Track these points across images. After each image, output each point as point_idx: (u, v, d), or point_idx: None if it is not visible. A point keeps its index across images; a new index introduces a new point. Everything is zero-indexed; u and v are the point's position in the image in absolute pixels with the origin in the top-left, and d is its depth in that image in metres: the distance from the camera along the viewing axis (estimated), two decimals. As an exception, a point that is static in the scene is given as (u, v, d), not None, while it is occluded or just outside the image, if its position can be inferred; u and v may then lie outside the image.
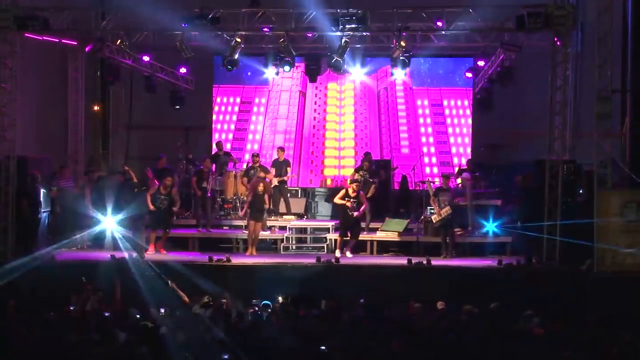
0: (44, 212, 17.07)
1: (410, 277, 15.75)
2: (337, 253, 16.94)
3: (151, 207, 17.04)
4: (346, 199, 17.09)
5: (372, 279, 15.62)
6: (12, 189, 16.84)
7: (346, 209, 17.01)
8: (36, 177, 17.05)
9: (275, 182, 19.07)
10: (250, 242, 17.47)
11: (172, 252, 17.57)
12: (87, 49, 18.66)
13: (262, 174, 18.36)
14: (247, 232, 18.26)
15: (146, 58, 20.35)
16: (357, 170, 18.85)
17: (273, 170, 19.31)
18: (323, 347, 10.50)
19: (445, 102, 21.31)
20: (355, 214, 16.96)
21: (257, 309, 13.28)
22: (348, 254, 17.07)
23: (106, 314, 12.70)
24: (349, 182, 18.72)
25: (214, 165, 19.51)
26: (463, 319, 12.61)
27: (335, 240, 17.85)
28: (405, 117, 21.46)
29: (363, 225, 18.37)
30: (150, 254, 16.93)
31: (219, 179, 19.48)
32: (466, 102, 21.15)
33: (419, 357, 10.37)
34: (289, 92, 21.77)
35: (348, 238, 17.23)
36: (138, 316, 12.45)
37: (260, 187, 17.51)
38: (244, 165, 20.28)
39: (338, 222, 17.79)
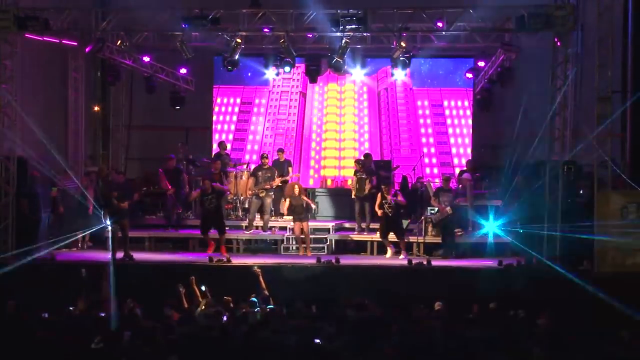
0: (44, 212, 17.05)
1: (410, 277, 15.75)
2: (388, 253, 17.17)
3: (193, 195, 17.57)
4: (383, 201, 17.17)
5: (372, 279, 15.62)
6: (12, 189, 16.84)
7: (383, 210, 17.17)
8: (36, 178, 17.03)
9: (278, 182, 19.05)
10: (301, 243, 17.64)
11: (172, 253, 17.58)
12: (87, 50, 18.66)
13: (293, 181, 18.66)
14: (248, 232, 18.40)
15: (146, 58, 20.37)
16: (355, 174, 18.82)
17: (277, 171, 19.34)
18: (317, 340, 10.52)
19: (445, 103, 21.31)
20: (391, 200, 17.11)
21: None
22: (402, 256, 17.09)
23: (102, 314, 12.71)
24: (349, 182, 18.78)
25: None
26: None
27: (336, 240, 17.94)
28: (405, 118, 21.45)
29: (363, 225, 18.38)
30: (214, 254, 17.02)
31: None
32: (466, 103, 21.15)
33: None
34: (289, 92, 21.76)
35: (389, 239, 17.33)
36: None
37: (296, 191, 17.61)
38: (244, 166, 20.28)
39: (379, 223, 17.70)
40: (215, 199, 17.32)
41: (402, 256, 17.06)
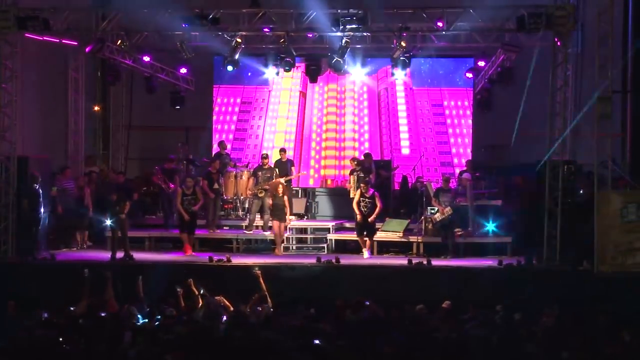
0: (44, 212, 17.06)
1: (410, 277, 15.76)
2: (366, 253, 17.01)
3: (186, 217, 17.14)
4: (361, 198, 17.12)
5: (372, 279, 15.62)
6: (12, 189, 16.84)
7: (359, 209, 17.06)
8: (36, 178, 17.04)
9: (282, 182, 19.03)
10: (278, 243, 17.57)
11: (173, 253, 17.58)
12: (87, 50, 18.67)
13: (281, 179, 18.50)
14: (248, 232, 18.38)
15: (146, 58, 20.37)
16: (351, 173, 18.80)
17: (276, 171, 19.33)
18: (317, 341, 10.53)
19: (445, 103, 21.31)
20: (370, 218, 17.04)
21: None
22: (366, 254, 17.09)
23: (102, 314, 12.74)
24: (348, 183, 18.77)
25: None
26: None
27: (336, 240, 17.92)
28: (405, 117, 21.45)
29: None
30: (189, 256, 17.06)
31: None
32: (466, 103, 21.15)
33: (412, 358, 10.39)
34: (289, 92, 21.76)
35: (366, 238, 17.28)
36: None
37: (280, 189, 17.58)
38: (244, 166, 20.29)
39: (354, 222, 17.66)
40: (195, 201, 17.30)
41: (366, 255, 17.05)
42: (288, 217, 17.85)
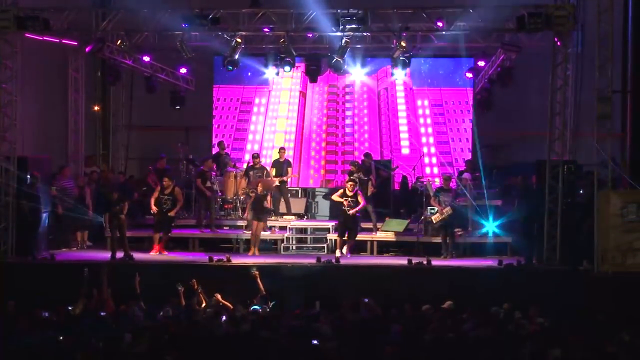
0: (44, 212, 17.06)
1: (410, 277, 15.75)
2: (338, 253, 16.96)
3: (153, 209, 17.13)
4: (344, 197, 17.12)
5: (372, 279, 15.62)
6: (12, 189, 16.84)
7: (342, 207, 17.06)
8: (36, 178, 17.04)
9: (276, 182, 19.07)
10: (253, 242, 17.51)
11: (173, 252, 17.58)
12: (87, 49, 18.67)
13: (273, 179, 18.48)
14: (247, 232, 18.32)
15: (146, 58, 20.37)
16: (350, 174, 18.74)
17: (273, 171, 19.35)
18: (315, 342, 10.54)
19: (445, 103, 21.31)
20: (351, 211, 16.98)
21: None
22: (344, 252, 17.10)
23: (102, 314, 12.75)
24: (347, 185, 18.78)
25: (214, 165, 19.58)
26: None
27: (336, 240, 17.91)
28: (405, 117, 21.45)
29: (370, 225, 18.29)
30: (154, 254, 17.01)
31: (219, 179, 19.48)
32: (466, 103, 21.15)
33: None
34: (289, 92, 21.76)
35: (346, 238, 17.25)
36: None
37: (260, 188, 17.57)
38: (244, 166, 20.30)
39: (337, 222, 17.75)
40: (171, 202, 17.27)
41: (347, 255, 17.06)
42: (286, 217, 17.80)
